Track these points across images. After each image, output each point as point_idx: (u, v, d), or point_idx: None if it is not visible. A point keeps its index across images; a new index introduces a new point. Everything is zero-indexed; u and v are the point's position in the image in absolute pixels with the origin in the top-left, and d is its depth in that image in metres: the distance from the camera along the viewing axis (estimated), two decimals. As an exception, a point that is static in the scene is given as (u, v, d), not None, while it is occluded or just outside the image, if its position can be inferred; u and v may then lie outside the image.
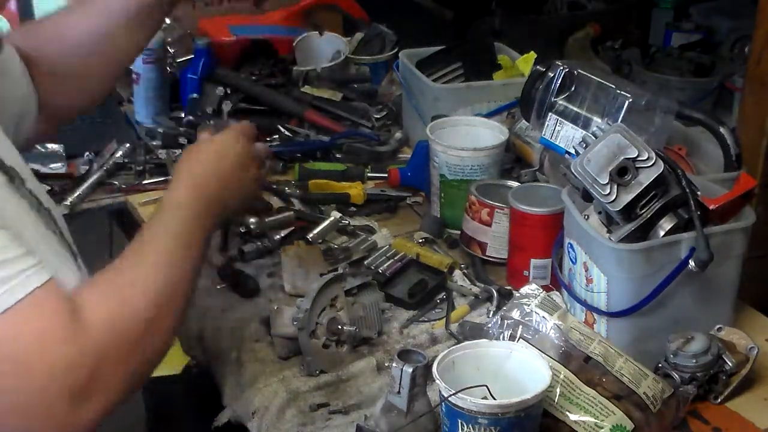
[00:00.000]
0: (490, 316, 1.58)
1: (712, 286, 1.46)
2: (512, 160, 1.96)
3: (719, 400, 1.42)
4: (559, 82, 1.69)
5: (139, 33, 1.60)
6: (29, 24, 1.64)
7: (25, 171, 1.36)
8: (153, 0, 1.56)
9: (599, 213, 1.46)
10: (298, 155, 2.08)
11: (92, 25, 1.55)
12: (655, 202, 1.41)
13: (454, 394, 1.18)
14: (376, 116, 2.19)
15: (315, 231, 1.78)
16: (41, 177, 1.78)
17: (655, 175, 1.39)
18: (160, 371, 2.29)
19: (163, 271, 1.23)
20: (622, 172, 1.39)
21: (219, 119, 1.58)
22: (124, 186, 2.01)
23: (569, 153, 1.65)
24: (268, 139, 2.14)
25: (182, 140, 2.11)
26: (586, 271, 1.47)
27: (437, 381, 1.21)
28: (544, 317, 1.33)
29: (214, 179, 1.37)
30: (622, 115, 1.62)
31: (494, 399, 1.20)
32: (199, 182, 1.35)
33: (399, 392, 1.28)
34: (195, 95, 2.20)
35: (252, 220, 1.79)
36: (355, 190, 1.91)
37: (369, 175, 2.00)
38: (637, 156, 1.39)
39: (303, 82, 2.26)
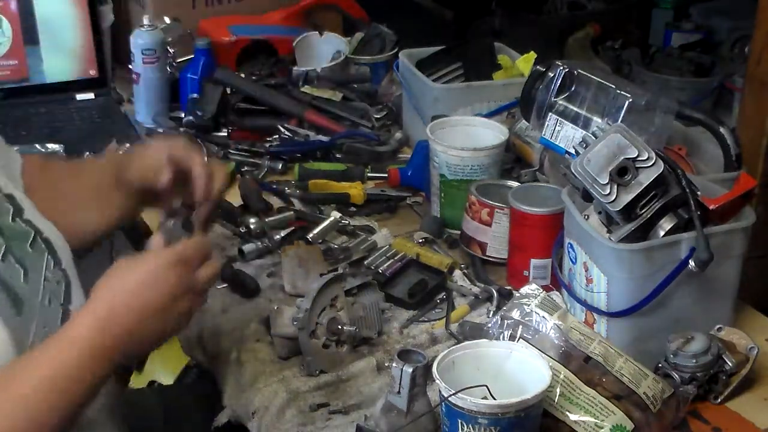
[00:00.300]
0: (490, 316, 1.58)
1: (712, 286, 1.46)
2: (512, 160, 1.96)
3: (719, 400, 1.42)
4: (559, 82, 1.69)
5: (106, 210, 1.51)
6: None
7: (25, 202, 1.34)
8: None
9: (599, 213, 1.46)
10: (298, 155, 2.08)
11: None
12: (655, 202, 1.41)
13: (454, 394, 1.18)
14: (376, 116, 2.19)
15: (315, 231, 1.78)
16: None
17: (655, 175, 1.39)
18: (159, 372, 2.30)
19: (29, 410, 1.12)
20: (622, 172, 1.39)
21: (176, 222, 1.39)
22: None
23: (569, 153, 1.65)
24: (268, 139, 2.15)
25: (182, 140, 2.11)
26: (586, 271, 1.47)
27: (437, 381, 1.21)
28: (544, 317, 1.33)
29: (132, 312, 1.18)
30: (622, 115, 1.62)
31: (494, 399, 1.20)
32: (113, 316, 1.18)
33: (399, 392, 1.28)
34: (195, 95, 2.20)
35: (252, 220, 1.79)
36: (355, 190, 1.91)
37: (369, 175, 2.00)
38: (637, 156, 1.39)
39: (303, 82, 2.26)
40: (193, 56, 2.27)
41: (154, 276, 1.21)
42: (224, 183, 1.45)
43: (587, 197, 1.46)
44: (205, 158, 1.50)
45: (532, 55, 2.09)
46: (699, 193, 1.43)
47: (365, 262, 1.71)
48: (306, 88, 2.24)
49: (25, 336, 1.23)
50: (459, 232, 1.78)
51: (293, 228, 1.81)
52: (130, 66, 2.27)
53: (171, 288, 1.21)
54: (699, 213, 1.40)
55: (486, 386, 1.20)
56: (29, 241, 1.31)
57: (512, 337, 1.33)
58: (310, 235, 1.77)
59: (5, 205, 1.32)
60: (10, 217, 1.30)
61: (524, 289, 1.38)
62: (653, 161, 1.39)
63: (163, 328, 1.22)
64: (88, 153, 2.06)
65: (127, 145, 2.07)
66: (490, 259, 1.73)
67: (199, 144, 1.56)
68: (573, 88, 1.69)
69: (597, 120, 1.66)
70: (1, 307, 1.21)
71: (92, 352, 1.15)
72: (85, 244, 1.52)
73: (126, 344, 1.18)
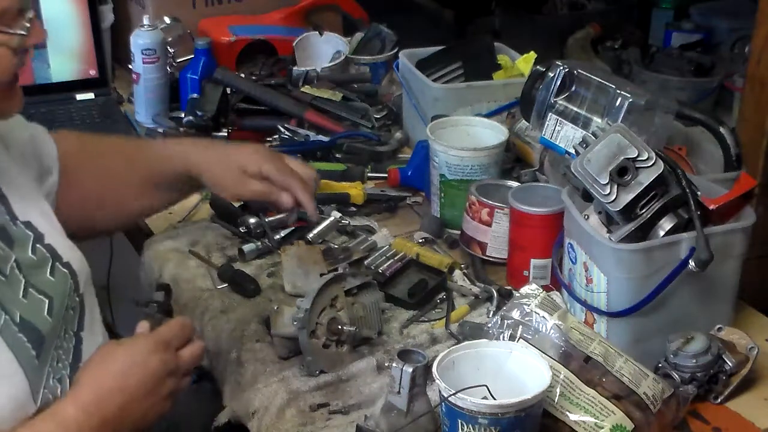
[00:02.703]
0: (490, 316, 1.58)
1: (712, 286, 1.46)
2: (512, 160, 1.96)
3: (719, 400, 1.42)
4: (559, 82, 1.69)
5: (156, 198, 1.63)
6: (84, 143, 1.64)
7: (46, 226, 1.35)
8: (183, 175, 1.58)
9: (599, 213, 1.46)
10: (298, 155, 2.08)
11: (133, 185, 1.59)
12: (655, 202, 1.41)
13: (454, 394, 1.18)
14: (376, 116, 2.19)
15: (315, 231, 1.78)
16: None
17: (655, 175, 1.39)
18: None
19: None
20: (622, 172, 1.39)
21: (155, 307, 1.45)
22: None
23: (569, 153, 1.65)
24: (268, 139, 2.15)
25: (182, 140, 2.11)
26: (586, 271, 1.47)
27: (437, 381, 1.21)
28: (544, 317, 1.33)
29: (117, 397, 1.21)
30: (622, 115, 1.62)
31: (494, 399, 1.20)
32: (98, 401, 1.20)
33: (399, 392, 1.28)
34: (195, 95, 2.20)
35: (252, 220, 1.79)
36: (355, 190, 1.91)
37: (369, 175, 2.00)
38: (637, 156, 1.39)
39: (303, 82, 2.26)
40: (193, 56, 2.27)
41: (137, 360, 1.24)
42: (314, 178, 1.59)
43: (587, 197, 1.46)
44: (298, 167, 1.59)
45: (532, 55, 2.09)
46: (699, 193, 1.43)
47: (365, 262, 1.71)
48: (306, 88, 2.24)
49: (40, 380, 1.24)
50: (459, 232, 1.78)
51: (293, 228, 1.81)
52: (130, 66, 2.27)
53: (154, 372, 1.24)
54: (699, 213, 1.40)
55: (486, 386, 1.20)
56: (48, 270, 1.31)
57: (512, 337, 1.33)
58: (310, 235, 1.77)
59: (25, 233, 1.32)
60: (30, 247, 1.31)
61: (524, 289, 1.38)
62: (653, 161, 1.39)
63: (148, 411, 1.25)
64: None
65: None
66: (490, 259, 1.73)
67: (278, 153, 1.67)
68: (573, 88, 1.69)
69: (597, 120, 1.66)
70: (23, 353, 1.22)
71: None
72: (118, 225, 1.71)
73: (111, 428, 1.21)
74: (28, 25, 1.22)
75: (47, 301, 1.28)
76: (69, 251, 1.36)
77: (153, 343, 1.25)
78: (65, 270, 1.34)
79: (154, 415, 1.26)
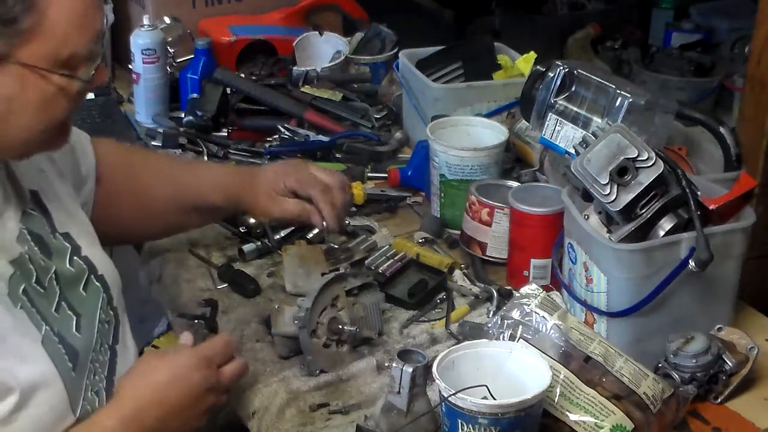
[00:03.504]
0: (490, 316, 1.58)
1: (712, 286, 1.46)
2: (512, 160, 1.96)
3: (719, 400, 1.42)
4: (559, 82, 1.69)
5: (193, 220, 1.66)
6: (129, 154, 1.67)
7: (83, 237, 1.36)
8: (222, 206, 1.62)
9: (599, 213, 1.46)
10: (298, 155, 2.08)
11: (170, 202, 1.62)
12: (655, 202, 1.41)
13: (454, 394, 1.18)
14: (376, 116, 2.19)
15: (315, 231, 1.78)
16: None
17: (655, 175, 1.39)
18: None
19: None
20: (622, 172, 1.39)
21: (202, 323, 1.51)
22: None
23: (569, 153, 1.65)
24: (268, 139, 2.15)
25: (182, 140, 2.11)
26: (586, 271, 1.47)
27: (437, 381, 1.21)
28: (544, 317, 1.33)
29: (156, 410, 1.23)
30: (622, 115, 1.62)
31: (494, 399, 1.20)
32: (137, 413, 1.23)
33: (399, 392, 1.28)
34: (195, 95, 2.20)
35: (252, 220, 1.79)
36: (355, 190, 1.91)
37: (369, 175, 2.00)
38: (637, 156, 1.39)
39: (303, 82, 2.26)
40: (193, 56, 2.28)
41: (179, 375, 1.25)
42: (344, 192, 1.59)
43: (587, 197, 1.46)
44: (322, 175, 1.59)
45: (532, 55, 2.09)
46: (699, 193, 1.43)
47: (365, 262, 1.71)
48: (306, 88, 2.24)
49: (78, 392, 1.25)
50: (459, 232, 1.78)
51: (293, 228, 1.81)
52: (130, 66, 2.27)
53: (195, 387, 1.26)
54: (699, 213, 1.40)
55: (486, 386, 1.20)
56: (83, 284, 1.32)
57: (512, 337, 1.33)
58: (310, 235, 1.77)
59: (64, 245, 1.32)
60: (68, 259, 1.31)
61: (524, 289, 1.38)
62: (653, 161, 1.39)
63: (185, 425, 1.27)
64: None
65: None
66: (490, 259, 1.73)
67: (306, 162, 1.67)
68: (573, 88, 1.69)
69: (597, 120, 1.66)
70: (61, 364, 1.23)
71: None
72: (151, 236, 1.72)
73: None
74: (93, 72, 1.18)
75: (75, 318, 1.28)
76: (103, 264, 1.37)
77: (196, 359, 1.27)
78: (98, 284, 1.34)
79: (195, 425, 1.28)
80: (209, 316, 1.52)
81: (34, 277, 1.24)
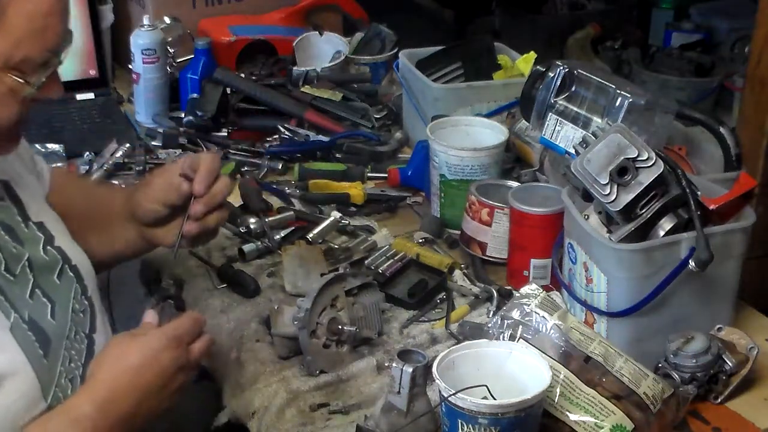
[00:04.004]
0: (490, 316, 1.58)
1: (712, 286, 1.46)
2: (512, 160, 1.96)
3: (719, 400, 1.42)
4: (559, 82, 1.69)
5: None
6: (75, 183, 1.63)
7: (57, 228, 1.36)
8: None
9: (599, 213, 1.46)
10: (298, 155, 2.08)
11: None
12: (655, 202, 1.41)
13: (454, 394, 1.18)
14: (376, 116, 2.19)
15: (315, 231, 1.78)
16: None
17: (655, 175, 1.39)
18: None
19: None
20: (622, 172, 1.39)
21: (167, 303, 1.47)
22: (124, 186, 2.01)
23: (569, 153, 1.65)
24: (268, 139, 2.15)
25: (182, 140, 2.11)
26: (586, 271, 1.47)
27: (437, 381, 1.21)
28: (544, 317, 1.33)
29: (132, 394, 1.23)
30: (622, 115, 1.62)
31: (494, 399, 1.20)
32: (113, 396, 1.22)
33: (399, 392, 1.28)
34: (195, 95, 2.20)
35: (252, 220, 1.79)
36: (355, 190, 1.91)
37: (369, 175, 2.00)
38: (637, 156, 1.39)
39: (303, 82, 2.26)
40: (193, 56, 2.27)
41: (152, 358, 1.24)
42: (226, 185, 1.48)
43: (587, 197, 1.46)
44: (216, 162, 1.50)
45: (532, 55, 2.09)
46: (699, 193, 1.43)
47: (365, 262, 1.71)
48: (306, 88, 2.24)
49: (51, 378, 1.26)
50: (459, 232, 1.78)
51: (293, 228, 1.81)
52: (130, 66, 2.27)
53: (167, 369, 1.25)
54: (699, 213, 1.40)
55: (486, 386, 1.20)
56: (56, 272, 1.33)
57: (512, 337, 1.33)
58: (310, 235, 1.77)
59: (37, 235, 1.33)
60: (41, 248, 1.32)
61: (524, 289, 1.38)
62: (653, 161, 1.39)
63: (159, 406, 1.26)
64: (88, 153, 2.06)
65: (127, 145, 2.07)
66: (490, 259, 1.73)
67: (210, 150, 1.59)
68: (573, 88, 1.69)
69: (597, 120, 1.66)
70: (31, 351, 1.23)
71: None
72: (115, 255, 1.58)
73: (125, 424, 1.22)
74: (44, 80, 1.19)
75: (50, 305, 1.29)
76: (77, 254, 1.38)
77: (167, 340, 1.26)
78: (72, 274, 1.35)
79: (163, 410, 1.27)
80: (176, 294, 1.50)
81: (3, 265, 1.24)
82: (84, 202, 1.57)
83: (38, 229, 1.34)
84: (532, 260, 1.64)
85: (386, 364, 1.47)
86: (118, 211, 1.54)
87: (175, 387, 1.27)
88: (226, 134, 2.15)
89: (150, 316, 1.34)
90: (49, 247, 1.33)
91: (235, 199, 1.88)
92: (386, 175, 1.97)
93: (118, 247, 1.55)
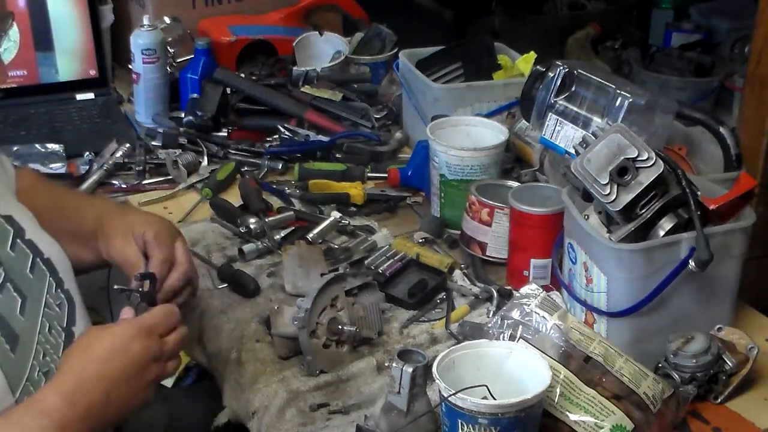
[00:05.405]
0: (490, 316, 1.58)
1: (712, 286, 1.46)
2: (512, 160, 1.96)
3: (719, 400, 1.42)
4: (559, 82, 1.69)
5: None
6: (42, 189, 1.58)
7: (26, 221, 1.34)
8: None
9: (599, 213, 1.46)
10: (298, 155, 2.08)
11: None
12: (655, 202, 1.41)
13: (454, 394, 1.18)
14: (376, 116, 2.19)
15: (315, 231, 1.78)
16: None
17: (655, 175, 1.39)
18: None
19: None
20: (622, 172, 1.39)
21: (141, 298, 1.41)
22: (124, 186, 2.01)
23: (569, 153, 1.65)
24: (268, 139, 2.15)
25: (182, 140, 2.11)
26: (586, 271, 1.47)
27: (437, 381, 1.21)
28: (544, 317, 1.33)
29: (100, 383, 1.19)
30: (622, 115, 1.62)
31: (494, 399, 1.20)
32: (81, 386, 1.18)
33: (399, 392, 1.28)
34: (195, 95, 2.20)
35: (252, 220, 1.79)
36: (355, 190, 1.91)
37: (369, 175, 2.00)
38: (637, 156, 1.39)
39: (303, 82, 2.26)
40: (193, 56, 2.28)
41: (120, 346, 1.22)
42: (181, 279, 1.47)
43: (587, 197, 1.46)
44: (181, 251, 1.48)
45: (532, 55, 2.09)
46: (699, 193, 1.43)
47: (365, 262, 1.71)
48: (306, 88, 2.24)
49: (20, 372, 1.24)
50: (459, 232, 1.78)
51: (293, 228, 1.81)
52: (130, 66, 2.27)
53: (138, 358, 1.22)
54: (699, 213, 1.39)
55: (486, 386, 1.20)
56: (29, 266, 1.31)
57: (512, 337, 1.33)
58: (310, 235, 1.77)
59: (6, 228, 1.32)
60: (10, 243, 1.31)
61: (524, 289, 1.38)
62: (653, 161, 1.39)
63: (132, 397, 1.23)
64: (88, 153, 2.06)
65: (127, 145, 2.07)
66: (490, 259, 1.73)
67: (178, 232, 1.56)
68: (573, 88, 1.69)
69: (597, 120, 1.66)
70: None
71: (62, 424, 1.15)
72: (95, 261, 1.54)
73: (95, 415, 1.18)
74: None
75: (20, 300, 1.27)
76: (50, 247, 1.36)
77: (136, 329, 1.24)
78: (45, 268, 1.33)
79: (138, 402, 1.24)
80: (147, 290, 1.48)
81: None
82: (54, 209, 1.53)
83: (6, 222, 1.32)
84: (532, 260, 1.64)
85: (386, 364, 1.47)
86: (86, 229, 1.51)
87: (150, 378, 1.24)
88: (226, 134, 2.15)
89: (126, 312, 1.32)
90: (18, 241, 1.31)
91: (235, 199, 1.88)
92: (386, 175, 1.97)
93: (86, 258, 1.52)
